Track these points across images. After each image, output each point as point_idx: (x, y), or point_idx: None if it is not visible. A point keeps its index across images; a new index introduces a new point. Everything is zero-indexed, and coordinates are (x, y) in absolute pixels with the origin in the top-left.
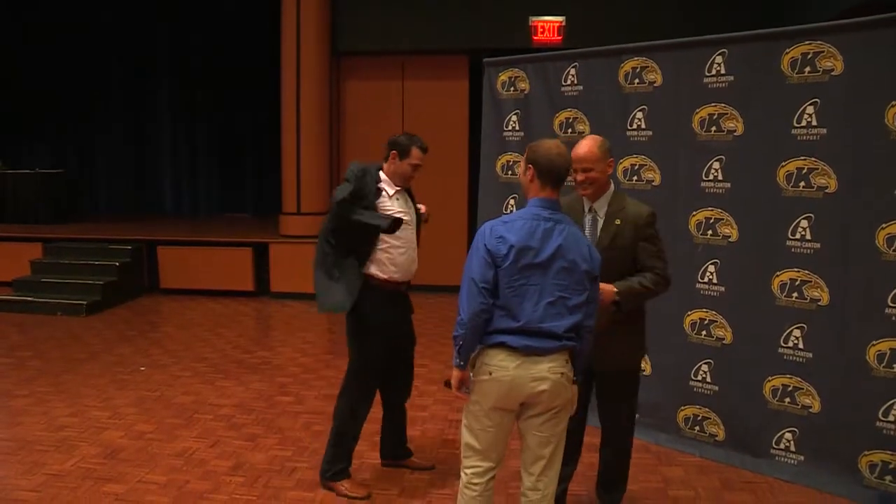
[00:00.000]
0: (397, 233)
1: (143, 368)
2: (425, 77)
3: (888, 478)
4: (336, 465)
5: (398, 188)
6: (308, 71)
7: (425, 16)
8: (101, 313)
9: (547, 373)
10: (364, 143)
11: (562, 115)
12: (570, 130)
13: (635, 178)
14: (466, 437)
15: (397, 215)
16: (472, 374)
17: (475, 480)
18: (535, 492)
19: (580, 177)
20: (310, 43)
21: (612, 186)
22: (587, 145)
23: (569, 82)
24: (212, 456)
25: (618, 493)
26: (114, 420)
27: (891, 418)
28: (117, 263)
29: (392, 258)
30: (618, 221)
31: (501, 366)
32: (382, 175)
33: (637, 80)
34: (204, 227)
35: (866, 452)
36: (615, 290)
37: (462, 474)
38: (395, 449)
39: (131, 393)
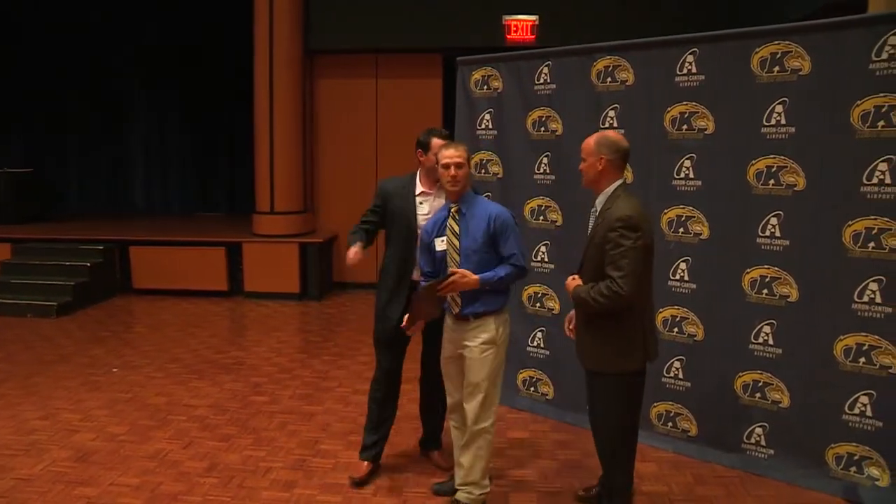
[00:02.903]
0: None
1: (115, 370)
2: (399, 75)
3: (853, 469)
4: (363, 441)
5: (427, 189)
6: (281, 69)
7: (399, 14)
8: (72, 314)
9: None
10: (338, 142)
11: (535, 114)
12: (542, 129)
13: None
14: (496, 388)
15: (422, 218)
16: (499, 336)
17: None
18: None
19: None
20: (282, 41)
21: (615, 185)
22: (589, 137)
23: (542, 81)
24: (185, 457)
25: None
26: (85, 422)
27: (856, 411)
28: (88, 264)
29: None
30: (600, 220)
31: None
32: (417, 178)
33: (609, 79)
34: (177, 226)
35: (833, 445)
36: (570, 289)
37: (489, 427)
38: (426, 443)
39: (103, 395)
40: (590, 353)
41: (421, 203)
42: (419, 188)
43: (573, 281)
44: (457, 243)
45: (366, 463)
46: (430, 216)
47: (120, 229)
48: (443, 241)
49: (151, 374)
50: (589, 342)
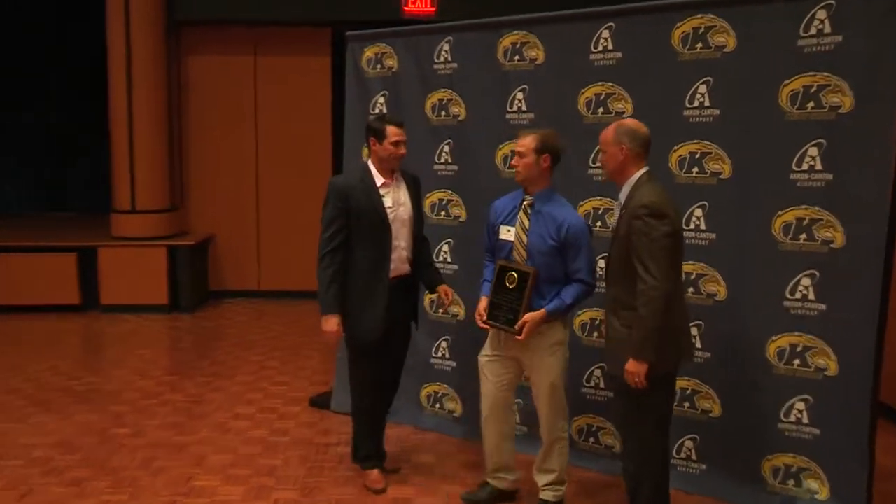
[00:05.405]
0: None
1: None
2: (282, 52)
3: (791, 482)
4: (360, 452)
5: (387, 179)
6: (140, 44)
7: None
8: None
9: None
10: (211, 128)
11: (434, 96)
12: (443, 113)
13: None
14: (564, 387)
15: (389, 211)
16: (566, 335)
17: None
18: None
19: None
20: (141, 11)
21: (638, 174)
22: (607, 127)
23: (442, 59)
24: None
25: None
26: None
27: (792, 419)
28: None
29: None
30: (624, 211)
31: None
32: (371, 169)
33: (517, 57)
34: (16, 229)
35: (769, 456)
36: (632, 368)
37: (565, 426)
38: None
39: None
40: (612, 355)
41: (384, 195)
42: (379, 179)
43: (633, 366)
44: (524, 239)
45: (376, 471)
46: (394, 209)
47: None
48: (509, 231)
49: None
50: (613, 344)
